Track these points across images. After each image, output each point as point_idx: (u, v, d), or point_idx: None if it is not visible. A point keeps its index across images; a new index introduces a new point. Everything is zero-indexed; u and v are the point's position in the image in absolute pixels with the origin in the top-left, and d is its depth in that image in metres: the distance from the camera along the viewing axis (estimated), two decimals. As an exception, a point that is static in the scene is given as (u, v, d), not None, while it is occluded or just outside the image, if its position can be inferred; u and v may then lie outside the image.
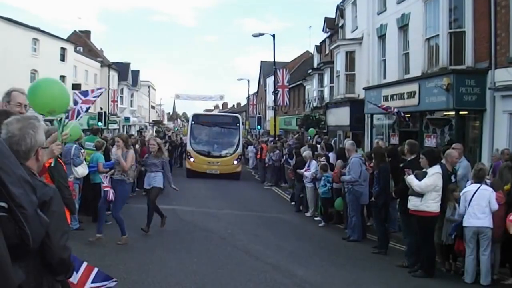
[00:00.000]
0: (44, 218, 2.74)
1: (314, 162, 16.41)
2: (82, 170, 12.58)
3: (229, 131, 29.65)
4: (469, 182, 9.83)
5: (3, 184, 2.50)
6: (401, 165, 11.02)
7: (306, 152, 17.16)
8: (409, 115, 20.46)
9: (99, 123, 33.25)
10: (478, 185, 9.25)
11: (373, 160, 13.00)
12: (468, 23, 16.64)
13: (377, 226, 12.14)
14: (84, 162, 12.75)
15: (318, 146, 21.14)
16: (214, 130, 29.65)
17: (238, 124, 29.84)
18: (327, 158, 16.45)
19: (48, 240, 2.86)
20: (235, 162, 28.27)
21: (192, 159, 27.96)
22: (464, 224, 9.18)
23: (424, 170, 9.65)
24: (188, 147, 28.83)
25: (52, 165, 5.84)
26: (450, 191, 9.84)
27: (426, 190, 9.39)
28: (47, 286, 2.99)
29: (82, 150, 12.87)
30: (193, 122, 29.74)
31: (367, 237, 13.23)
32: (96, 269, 4.33)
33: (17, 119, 3.28)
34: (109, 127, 43.62)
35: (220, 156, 28.11)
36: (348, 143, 14.55)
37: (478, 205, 9.04)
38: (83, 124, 33.11)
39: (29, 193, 2.69)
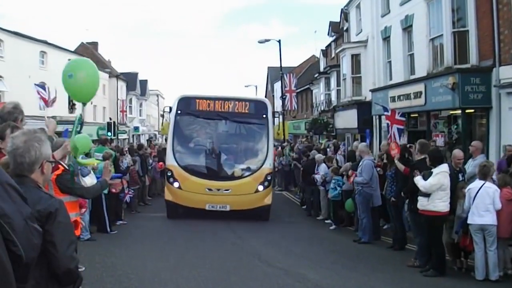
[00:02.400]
0: (37, 228, 2.69)
1: (323, 165, 16.47)
2: (90, 180, 12.58)
3: (249, 129, 16.97)
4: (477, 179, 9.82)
5: None
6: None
7: (317, 156, 17.22)
8: (416, 115, 20.46)
9: (109, 133, 33.35)
10: (483, 182, 9.25)
11: (383, 161, 13.11)
12: (471, 22, 16.66)
13: (400, 227, 12.14)
14: (92, 172, 12.80)
15: (328, 149, 21.21)
16: (221, 128, 17.11)
17: (265, 116, 16.56)
18: (336, 161, 16.60)
19: (54, 250, 2.90)
20: (261, 187, 15.57)
21: (176, 184, 15.45)
22: (469, 221, 9.19)
23: (431, 170, 9.67)
24: (169, 161, 15.99)
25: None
26: (459, 188, 9.85)
27: (431, 190, 9.41)
28: None
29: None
30: (179, 113, 16.34)
31: (381, 239, 13.26)
32: None
33: (23, 132, 3.34)
34: (119, 137, 43.78)
35: (232, 177, 15.75)
36: (361, 145, 14.57)
37: (482, 203, 9.04)
38: (93, 134, 33.18)
39: (17, 202, 2.63)
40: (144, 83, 70.49)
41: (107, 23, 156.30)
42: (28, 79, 32.26)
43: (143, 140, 56.29)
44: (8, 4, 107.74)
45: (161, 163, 20.45)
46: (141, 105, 69.02)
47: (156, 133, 72.32)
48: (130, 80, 63.32)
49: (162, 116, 22.34)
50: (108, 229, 13.48)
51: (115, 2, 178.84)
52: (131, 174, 16.74)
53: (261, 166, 15.87)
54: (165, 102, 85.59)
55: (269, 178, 15.85)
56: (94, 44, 62.79)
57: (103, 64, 57.79)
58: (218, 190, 15.29)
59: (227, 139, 17.23)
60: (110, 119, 41.85)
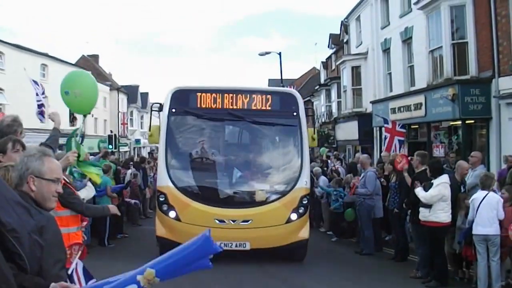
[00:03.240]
0: (39, 241, 2.71)
1: (322, 177, 16.52)
2: (85, 193, 12.54)
3: (274, 132, 12.58)
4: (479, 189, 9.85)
5: None
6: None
7: (315, 169, 17.23)
8: (416, 126, 20.55)
9: (110, 146, 33.47)
10: (486, 192, 9.28)
11: (384, 172, 13.17)
12: (470, 33, 16.83)
13: (402, 238, 12.16)
14: (88, 184, 12.73)
15: (329, 161, 21.25)
16: (233, 133, 13.22)
17: (296, 113, 11.96)
18: (337, 172, 16.62)
19: (39, 267, 2.78)
20: (294, 215, 11.22)
21: (172, 214, 11.17)
22: (473, 232, 9.21)
23: (431, 181, 9.72)
24: (162, 181, 11.56)
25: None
26: (461, 199, 9.89)
27: (432, 201, 9.45)
28: None
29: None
30: (173, 112, 11.96)
31: (383, 250, 13.26)
32: None
33: (28, 150, 3.42)
34: (120, 150, 43.86)
35: (252, 203, 11.25)
36: (363, 156, 14.63)
37: (486, 213, 9.06)
38: (94, 147, 33.27)
39: (22, 215, 2.65)
40: (145, 95, 70.60)
41: (107, 36, 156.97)
42: (28, 92, 32.33)
43: (145, 153, 56.33)
44: (10, 18, 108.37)
45: None
46: (142, 117, 69.10)
47: (158, 145, 72.31)
48: (131, 92, 63.43)
49: (150, 117, 15.78)
50: (106, 243, 13.49)
51: (115, 15, 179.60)
52: (132, 187, 16.76)
53: (293, 186, 11.17)
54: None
55: (305, 201, 11.24)
56: (95, 57, 62.96)
57: (104, 77, 57.97)
58: (234, 221, 10.77)
59: (243, 148, 12.62)
60: (111, 131, 41.94)
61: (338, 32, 36.83)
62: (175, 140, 11.90)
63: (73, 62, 49.31)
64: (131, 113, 63.22)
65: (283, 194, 11.13)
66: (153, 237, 11.53)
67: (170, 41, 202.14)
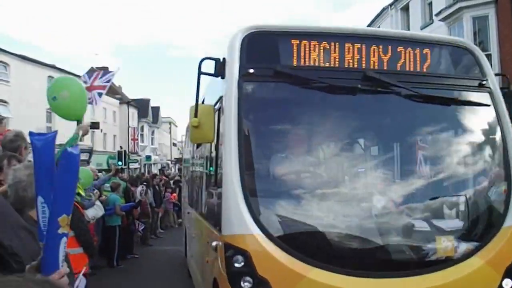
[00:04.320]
0: None
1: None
2: (93, 212, 12.25)
3: (453, 118, 6.02)
4: None
5: None
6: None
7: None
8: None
9: (119, 163, 33.08)
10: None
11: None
12: (493, 45, 16.76)
13: None
14: (97, 203, 12.43)
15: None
16: (376, 118, 6.06)
17: (485, 82, 5.93)
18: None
19: None
20: (509, 282, 5.03)
21: None
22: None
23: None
24: (233, 225, 4.98)
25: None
26: None
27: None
28: None
29: (95, 191, 12.57)
30: (249, 75, 5.26)
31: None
32: None
33: (26, 165, 3.41)
34: (130, 166, 43.62)
35: (429, 263, 5.04)
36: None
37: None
38: (103, 163, 32.97)
39: (26, 239, 2.66)
40: (156, 110, 70.52)
41: (116, 48, 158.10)
42: (35, 104, 32.13)
43: (155, 170, 56.11)
44: (17, 28, 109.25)
45: (174, 194, 20.52)
46: (153, 133, 69.04)
47: (169, 162, 72.27)
48: (142, 106, 63.10)
49: (198, 87, 5.49)
50: (115, 263, 13.25)
51: (124, 27, 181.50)
52: (142, 206, 16.37)
53: (500, 223, 5.56)
54: (177, 130, 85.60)
55: None
56: (104, 69, 62.93)
57: (113, 90, 57.81)
58: None
59: (400, 151, 6.21)
60: (121, 147, 41.69)
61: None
62: (257, 135, 5.80)
63: (81, 75, 49.07)
64: (142, 128, 62.98)
65: (483, 240, 5.43)
66: (163, 257, 11.10)
67: (180, 53, 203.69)
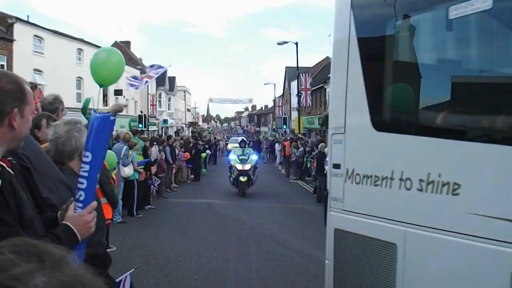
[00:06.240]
0: None
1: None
2: (128, 171, 12.84)
3: None
4: None
5: (36, 186, 2.43)
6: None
7: (326, 149, 17.08)
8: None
9: (140, 125, 33.64)
10: None
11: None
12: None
13: None
14: (131, 164, 12.94)
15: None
16: None
17: None
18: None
19: None
20: None
21: None
22: None
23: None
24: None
25: None
26: None
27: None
28: None
29: (130, 152, 13.03)
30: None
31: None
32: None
33: (65, 122, 3.37)
34: (149, 129, 44.01)
35: None
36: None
37: None
38: (125, 126, 33.46)
39: (64, 194, 2.66)
40: (172, 79, 70.48)
41: (139, 24, 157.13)
42: (66, 74, 32.60)
43: (171, 132, 56.50)
44: (50, 7, 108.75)
45: (187, 153, 21.19)
46: (169, 99, 69.08)
47: (184, 125, 72.53)
48: (160, 76, 62.64)
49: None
50: (135, 213, 13.59)
51: (146, 5, 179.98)
52: (159, 163, 16.81)
53: None
54: (191, 97, 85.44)
55: None
56: (127, 43, 62.90)
57: (135, 62, 57.95)
58: None
59: None
60: (141, 112, 42.07)
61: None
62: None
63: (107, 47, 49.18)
64: (160, 95, 63.06)
65: None
66: (176, 208, 11.43)
67: (197, 31, 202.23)
